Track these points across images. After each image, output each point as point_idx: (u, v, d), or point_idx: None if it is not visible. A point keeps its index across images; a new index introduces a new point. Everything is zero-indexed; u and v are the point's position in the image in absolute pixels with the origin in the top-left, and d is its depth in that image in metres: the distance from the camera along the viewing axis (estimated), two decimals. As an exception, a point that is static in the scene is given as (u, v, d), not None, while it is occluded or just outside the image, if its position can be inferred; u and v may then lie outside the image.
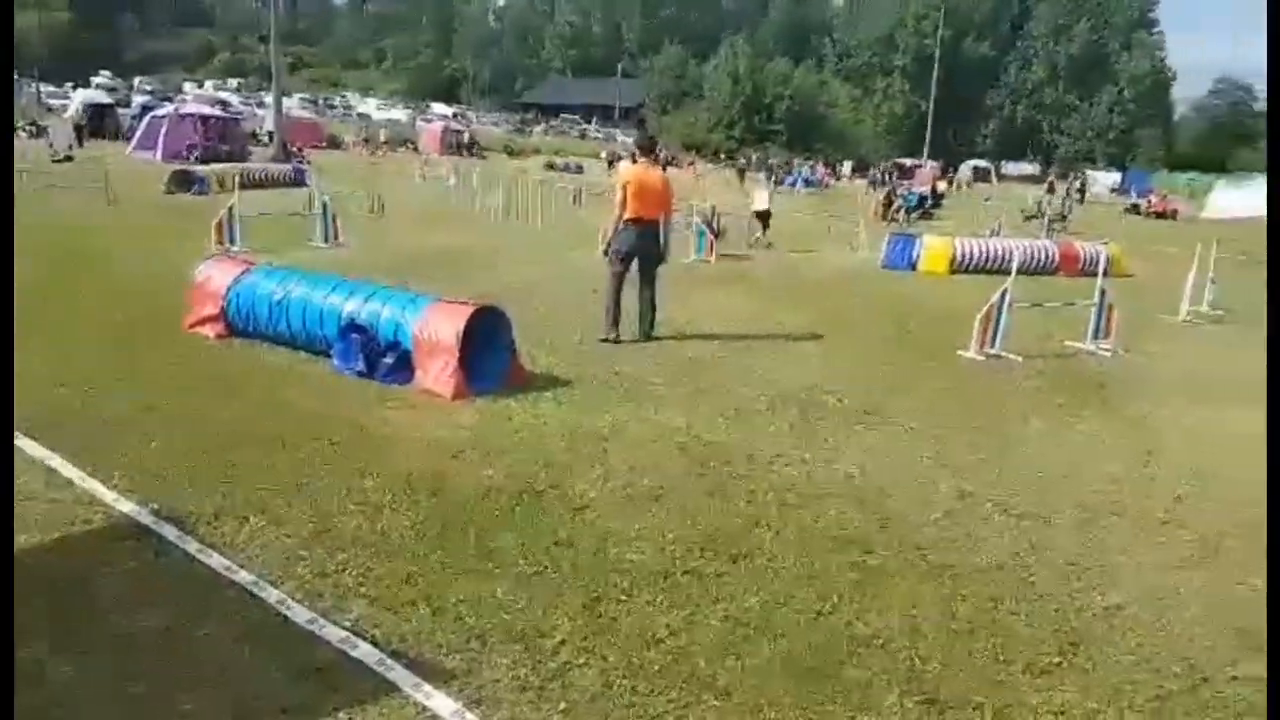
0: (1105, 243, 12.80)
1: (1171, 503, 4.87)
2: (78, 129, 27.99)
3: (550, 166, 36.40)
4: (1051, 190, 35.01)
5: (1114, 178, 53.98)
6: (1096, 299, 8.78)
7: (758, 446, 5.32)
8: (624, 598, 3.47)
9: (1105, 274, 9.12)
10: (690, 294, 10.57)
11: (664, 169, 9.39)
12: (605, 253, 8.06)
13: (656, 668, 3.04)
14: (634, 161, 8.45)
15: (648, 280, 8.02)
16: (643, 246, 7.89)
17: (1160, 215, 35.49)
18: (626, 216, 7.82)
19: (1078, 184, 40.20)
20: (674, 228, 9.15)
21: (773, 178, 31.64)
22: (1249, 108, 75.65)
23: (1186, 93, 75.53)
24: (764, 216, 16.89)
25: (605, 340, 7.73)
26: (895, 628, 3.38)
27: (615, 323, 7.80)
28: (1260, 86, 72.34)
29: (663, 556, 3.83)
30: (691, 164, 48.49)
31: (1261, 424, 6.26)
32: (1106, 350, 8.66)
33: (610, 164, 30.33)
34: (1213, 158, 62.75)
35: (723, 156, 58.04)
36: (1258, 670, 3.16)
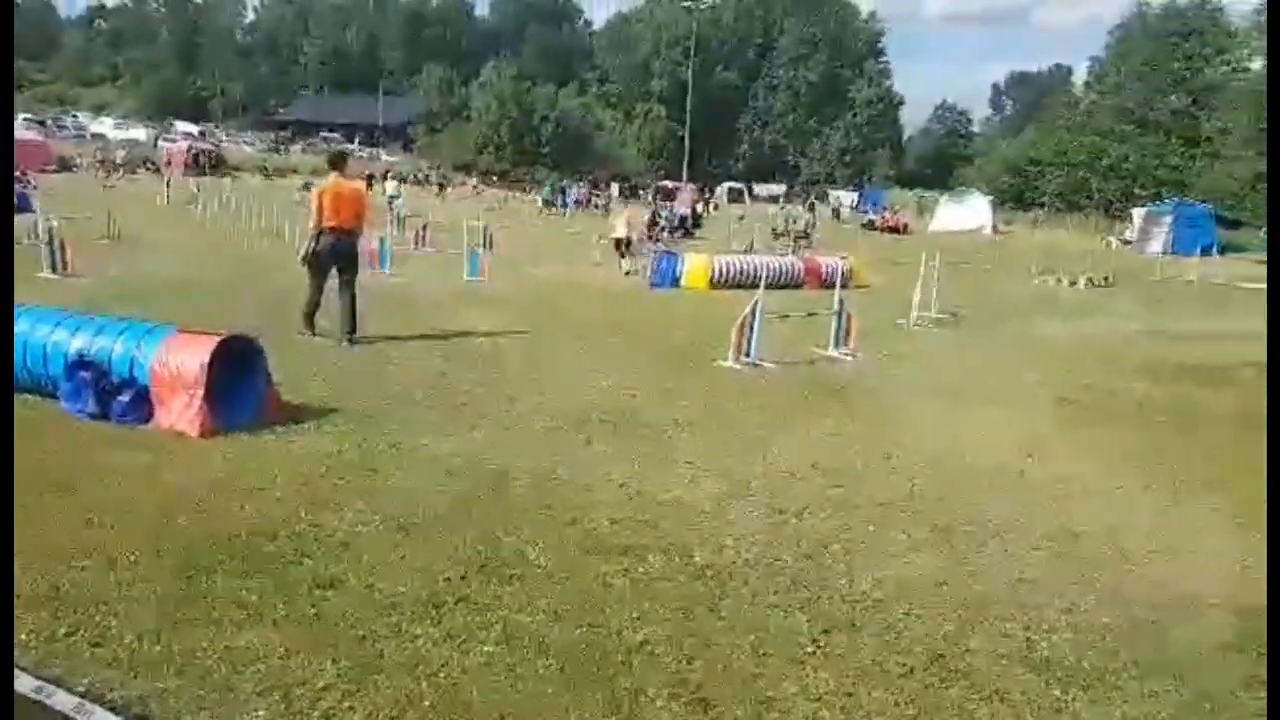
0: (844, 257, 14.04)
1: (908, 493, 5.38)
2: None
3: (307, 187, 34.64)
4: (813, 209, 37.78)
5: (854, 196, 59.09)
6: (836, 308, 9.60)
7: (530, 466, 5.34)
8: (393, 634, 3.36)
9: (844, 285, 10.01)
10: (459, 314, 10.51)
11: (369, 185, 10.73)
12: (304, 260, 8.66)
13: (428, 702, 2.96)
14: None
15: (346, 284, 8.64)
16: (340, 253, 8.56)
17: (893, 230, 39.15)
18: (327, 225, 8.47)
19: (810, 202, 43.49)
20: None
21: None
22: (965, 130, 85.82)
23: (912, 117, 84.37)
24: (622, 244, 16.89)
25: (306, 332, 8.50)
26: (664, 632, 3.50)
27: (312, 319, 8.59)
28: (975, 112, 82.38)
29: (434, 586, 3.75)
30: (473, 185, 48.13)
31: (991, 417, 7.18)
32: (848, 355, 9.49)
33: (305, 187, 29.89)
34: (936, 176, 70.41)
35: (495, 178, 57.97)
36: (989, 645, 3.57)
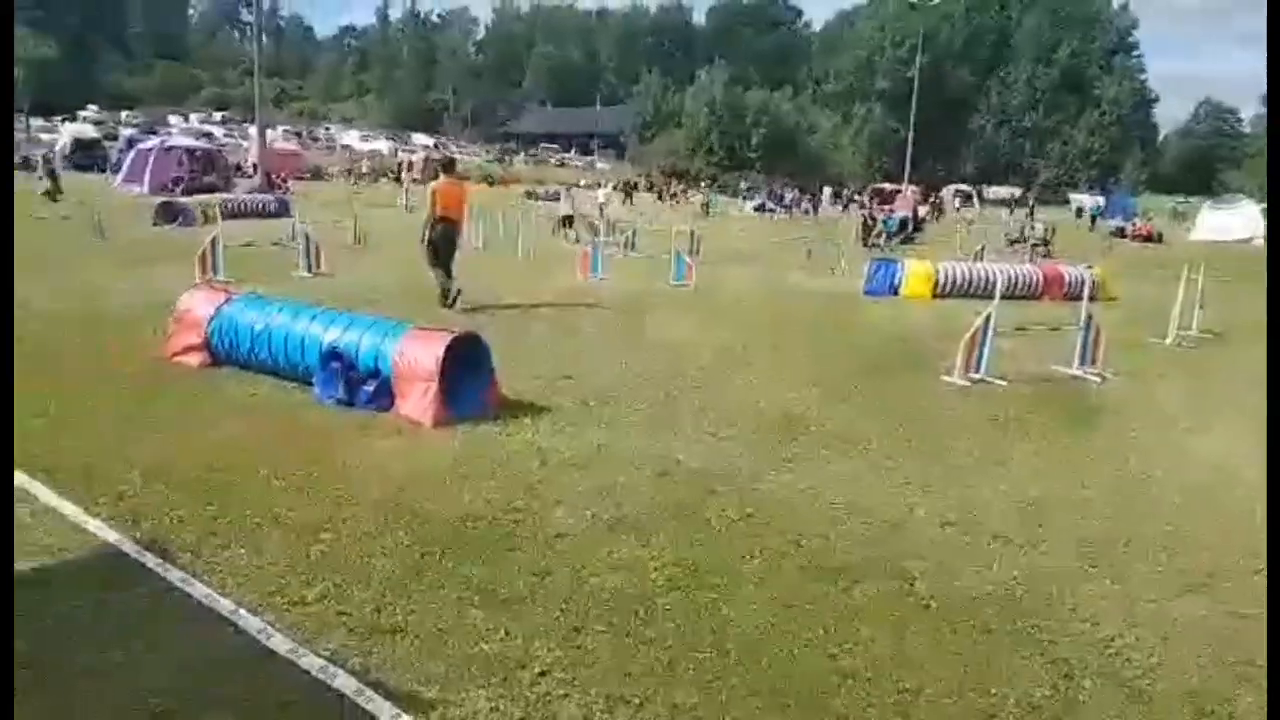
0: (1090, 266, 12.86)
1: (1164, 531, 4.80)
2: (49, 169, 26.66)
3: (530, 195, 36.51)
4: (1031, 214, 35.30)
5: (1098, 200, 54.52)
6: (1083, 323, 8.78)
7: (739, 471, 5.26)
8: (603, 629, 3.40)
9: (1091, 298, 9.13)
10: (670, 319, 10.59)
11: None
12: (424, 243, 10.53)
13: (638, 701, 2.96)
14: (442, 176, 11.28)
15: (449, 263, 10.58)
16: (449, 238, 10.54)
17: (1145, 238, 35.75)
18: (438, 216, 10.39)
19: (1029, 207, 40.34)
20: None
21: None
22: (1233, 130, 76.79)
23: (1169, 115, 76.64)
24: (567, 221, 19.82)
25: (444, 306, 10.24)
26: (882, 661, 3.31)
27: (446, 293, 10.42)
28: (1244, 110, 73.38)
29: (642, 586, 3.76)
30: (683, 193, 48.90)
31: (1257, 447, 6.28)
32: (1095, 375, 8.65)
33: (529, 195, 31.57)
34: (1197, 180, 63.53)
35: (704, 182, 58.56)
36: (1262, 702, 3.10)
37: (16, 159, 35.50)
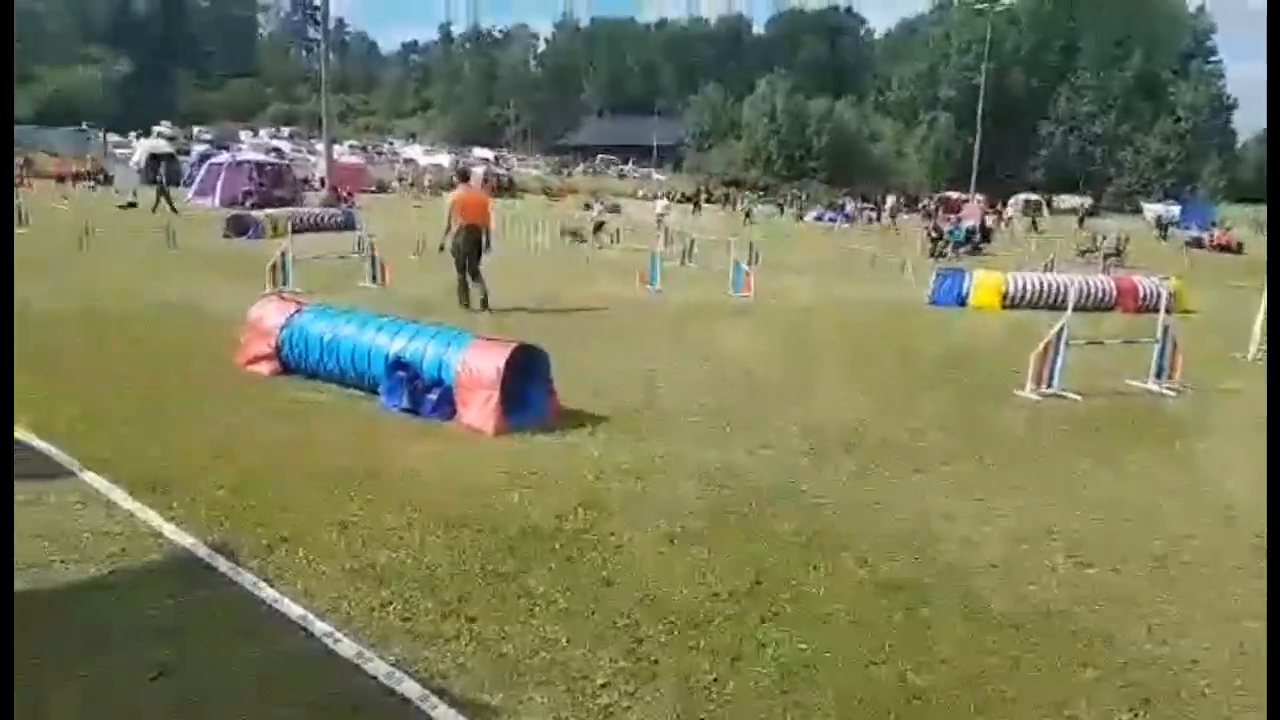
0: (1165, 278, 12.45)
1: (1248, 551, 4.61)
2: (156, 184, 27.08)
3: (587, 207, 36.76)
4: (1084, 221, 34.21)
5: (1173, 209, 52.79)
6: (1159, 335, 8.49)
7: (800, 487, 5.18)
8: (666, 640, 3.37)
9: (1168, 310, 8.81)
10: (729, 329, 10.53)
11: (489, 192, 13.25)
12: (443, 249, 11.00)
13: (701, 715, 2.93)
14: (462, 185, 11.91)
15: (475, 267, 10.94)
16: (470, 242, 10.83)
17: (1224, 249, 34.58)
18: (458, 225, 10.78)
19: (1082, 216, 38.92)
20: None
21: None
22: (1319, 135, 73.55)
23: (1250, 122, 73.65)
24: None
25: (463, 306, 10.76)
26: (953, 682, 3.22)
27: (468, 298, 10.88)
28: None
29: (705, 599, 3.72)
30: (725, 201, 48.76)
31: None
32: (1171, 389, 8.35)
33: (586, 207, 31.65)
34: (1281, 189, 60.84)
35: (763, 192, 58.36)
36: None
37: (98, 174, 37.15)
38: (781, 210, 49.09)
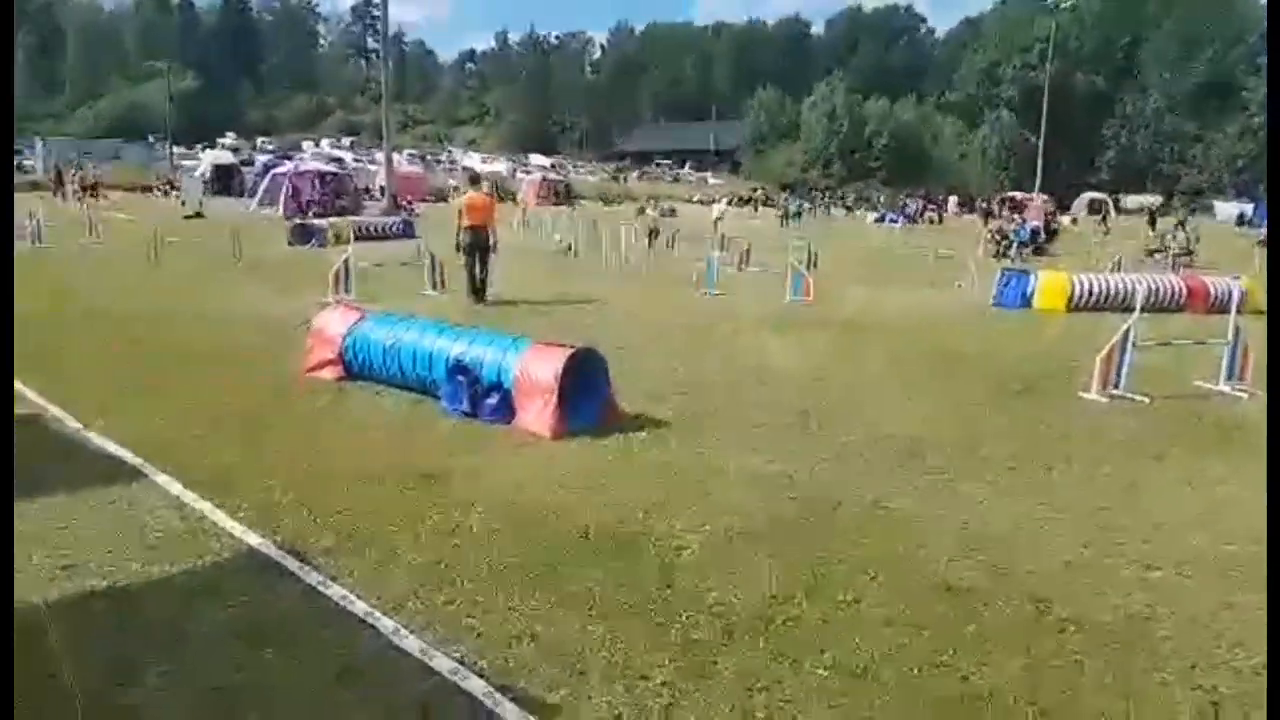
0: (1237, 277, 12.05)
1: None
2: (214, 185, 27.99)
3: (642, 211, 36.90)
4: (1182, 225, 33.24)
5: (1246, 208, 50.98)
6: (1230, 337, 8.23)
7: (862, 490, 5.15)
8: (725, 642, 3.39)
9: (1238, 310, 8.55)
10: (788, 335, 10.48)
11: (491, 195, 14.19)
12: (457, 248, 12.14)
13: (760, 715, 2.95)
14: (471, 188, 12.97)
15: (483, 262, 12.14)
16: (478, 242, 11.98)
17: (1298, 247, 33.20)
18: (465, 224, 11.92)
19: (1179, 221, 37.72)
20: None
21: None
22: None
23: (1330, 117, 70.75)
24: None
25: (476, 299, 11.94)
26: (1017, 684, 3.18)
27: (474, 291, 12.06)
28: None
29: (764, 601, 3.73)
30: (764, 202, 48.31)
31: None
32: (1243, 391, 8.09)
33: (641, 211, 31.84)
34: (1362, 186, 58.50)
35: (824, 194, 57.84)
36: None
37: (164, 185, 38.42)
38: (843, 210, 48.58)
